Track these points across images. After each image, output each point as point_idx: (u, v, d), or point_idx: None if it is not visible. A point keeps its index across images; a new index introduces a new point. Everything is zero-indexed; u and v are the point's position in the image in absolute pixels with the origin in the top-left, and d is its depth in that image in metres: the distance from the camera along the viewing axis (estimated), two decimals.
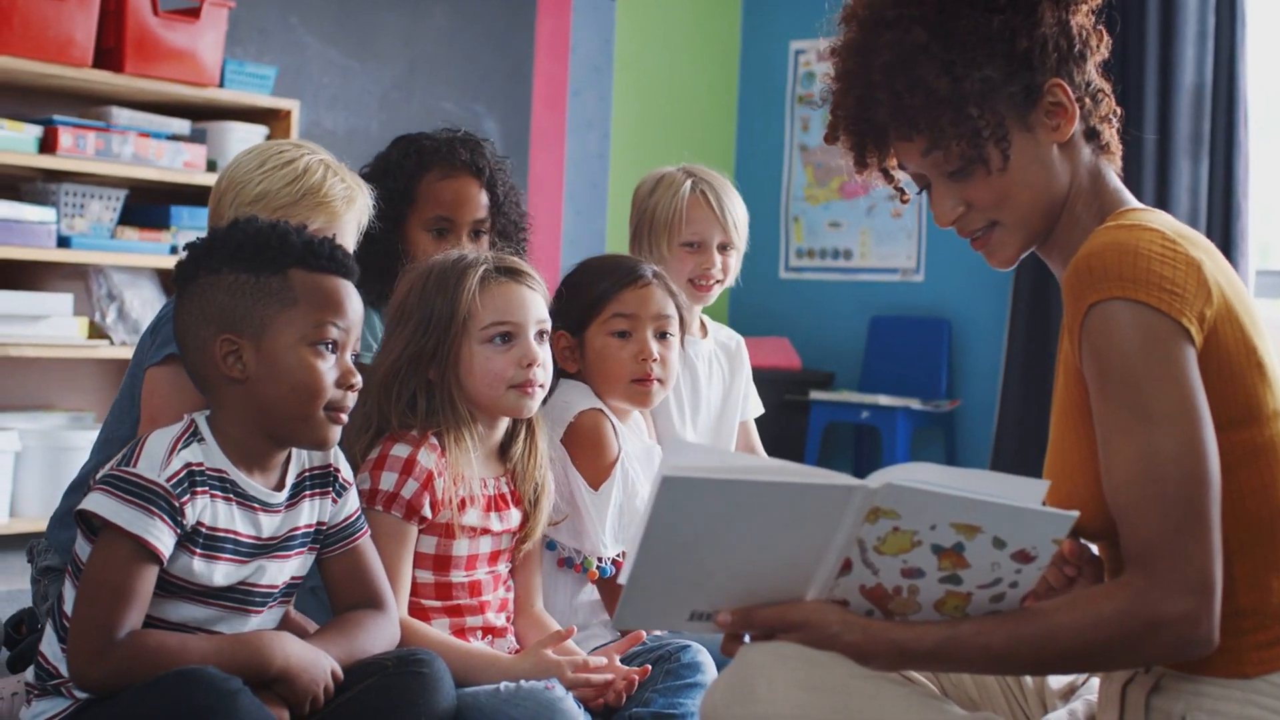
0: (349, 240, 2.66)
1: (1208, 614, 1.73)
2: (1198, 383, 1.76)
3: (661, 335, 2.84)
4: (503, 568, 2.61)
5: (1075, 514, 1.76)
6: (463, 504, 2.52)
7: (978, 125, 1.94)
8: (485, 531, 2.56)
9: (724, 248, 3.40)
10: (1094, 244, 1.82)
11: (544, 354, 2.57)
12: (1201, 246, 1.86)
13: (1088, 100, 1.99)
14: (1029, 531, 1.76)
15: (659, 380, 2.83)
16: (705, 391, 3.45)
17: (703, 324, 3.50)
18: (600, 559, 2.72)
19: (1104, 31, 2.01)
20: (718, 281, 3.40)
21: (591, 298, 2.84)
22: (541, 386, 2.57)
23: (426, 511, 2.48)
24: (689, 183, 3.42)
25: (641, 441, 2.89)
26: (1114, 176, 2.02)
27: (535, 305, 2.59)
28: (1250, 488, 1.81)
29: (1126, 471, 1.76)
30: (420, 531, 2.50)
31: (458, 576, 2.54)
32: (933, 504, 1.72)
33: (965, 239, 2.04)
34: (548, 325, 2.61)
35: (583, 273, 2.92)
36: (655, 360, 2.81)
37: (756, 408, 3.62)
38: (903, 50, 1.96)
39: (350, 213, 2.66)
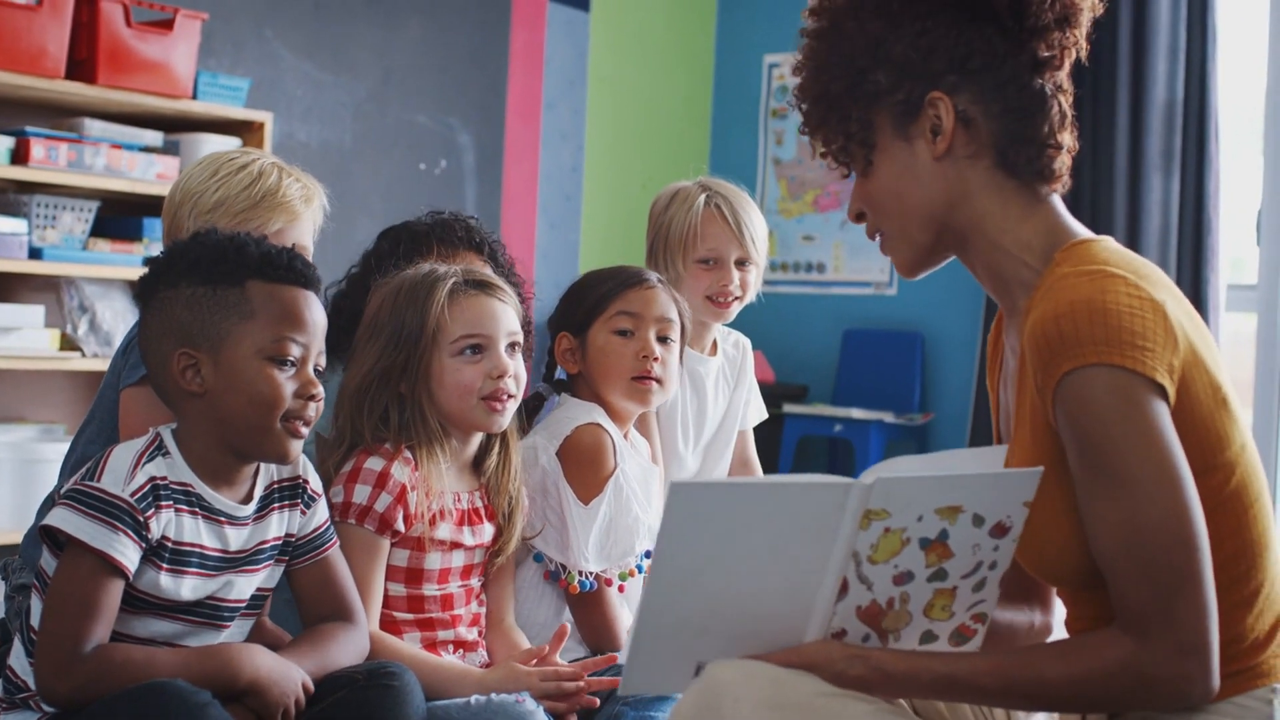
0: (307, 240, 2.66)
1: (1204, 673, 1.73)
2: (1175, 442, 1.75)
3: (663, 339, 2.84)
4: (475, 582, 2.61)
5: (1040, 469, 1.78)
6: (435, 518, 2.51)
7: (849, 127, 1.94)
8: (458, 545, 2.55)
9: (742, 263, 3.36)
10: (1059, 301, 1.78)
11: (515, 366, 2.57)
12: (1157, 281, 1.84)
13: (984, 120, 1.91)
14: (1003, 498, 1.79)
15: (658, 380, 2.83)
16: (711, 411, 3.44)
17: (714, 344, 3.48)
18: (581, 573, 2.71)
19: (1071, 51, 1.94)
20: (736, 298, 3.37)
21: (596, 297, 2.85)
22: (512, 398, 2.57)
23: (399, 525, 2.47)
24: (703, 197, 3.38)
25: (640, 464, 2.88)
26: (1052, 202, 1.95)
27: (506, 317, 2.59)
28: (1227, 530, 1.81)
29: (1112, 539, 1.75)
30: (392, 545, 2.50)
31: (430, 590, 2.53)
32: (919, 492, 1.75)
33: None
34: (519, 337, 2.60)
35: (588, 277, 2.94)
36: (656, 359, 2.81)
37: (758, 414, 3.59)
38: (804, 49, 1.99)
39: (309, 211, 2.66)
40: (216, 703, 2.01)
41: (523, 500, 2.65)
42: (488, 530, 2.61)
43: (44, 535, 2.10)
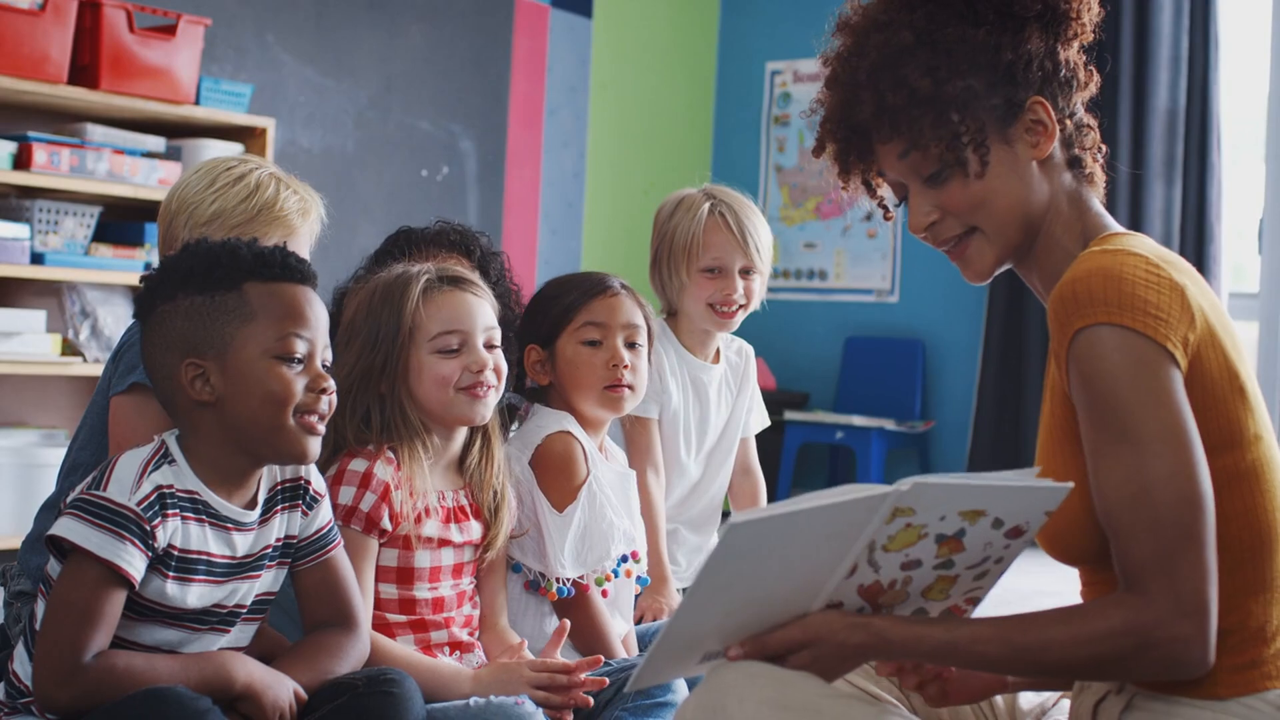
0: (304, 253, 2.65)
1: (1201, 636, 1.74)
2: (1185, 405, 1.77)
3: (631, 345, 2.85)
4: (467, 583, 2.62)
5: (1070, 485, 1.80)
6: (420, 516, 2.52)
7: (958, 129, 1.96)
8: (446, 543, 2.56)
9: (746, 271, 3.36)
10: (1078, 269, 1.83)
11: (493, 359, 2.58)
12: (1184, 270, 1.87)
13: (1070, 128, 2.01)
14: (1027, 508, 1.81)
15: (630, 387, 2.84)
16: (713, 419, 3.44)
17: (717, 351, 3.48)
18: (558, 579, 2.72)
19: (1094, 70, 2.05)
20: (740, 306, 3.37)
21: (561, 308, 2.86)
22: (494, 389, 2.58)
23: (386, 524, 2.48)
24: (707, 205, 3.37)
25: (615, 470, 2.89)
26: (1096, 203, 2.04)
27: (482, 312, 2.59)
28: (1233, 512, 1.82)
29: (1118, 495, 1.76)
30: (381, 546, 2.51)
31: (421, 591, 2.53)
32: (949, 496, 1.76)
33: (941, 252, 2.06)
34: (496, 333, 2.61)
35: (551, 287, 2.94)
36: (627, 367, 2.82)
37: (760, 421, 3.59)
38: (890, 51, 1.99)
39: (306, 225, 2.66)
40: (217, 710, 2.01)
41: (509, 496, 2.66)
42: (475, 528, 2.61)
43: (49, 545, 2.10)
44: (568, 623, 2.58)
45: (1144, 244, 1.90)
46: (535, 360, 2.86)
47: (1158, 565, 1.74)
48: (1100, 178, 2.05)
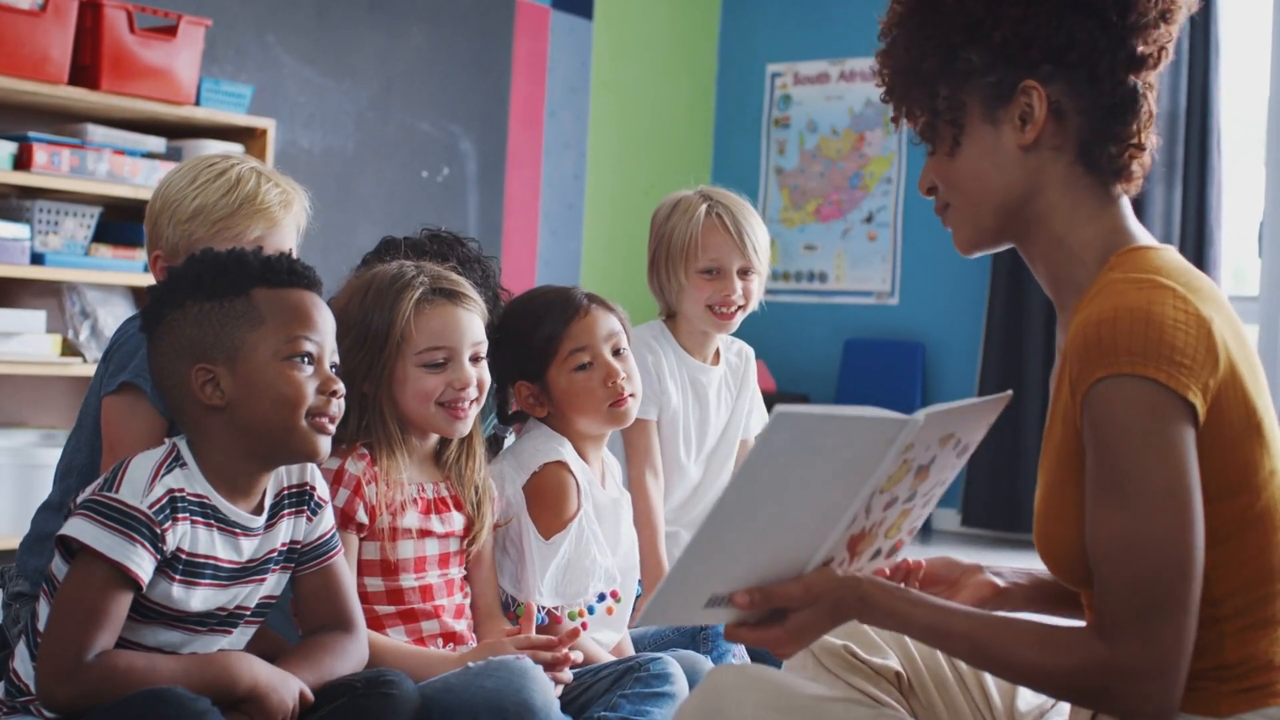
0: (289, 245, 2.66)
1: (1167, 696, 1.72)
2: (1193, 467, 1.73)
3: (616, 353, 2.85)
4: (455, 572, 2.63)
5: (1009, 394, 1.88)
6: (400, 507, 2.53)
7: (936, 104, 1.92)
8: (428, 534, 2.57)
9: (744, 273, 3.36)
10: (1105, 306, 1.77)
11: (477, 373, 2.59)
12: (1208, 297, 1.82)
13: (1074, 114, 1.89)
14: (978, 423, 1.90)
15: (632, 395, 2.84)
16: (713, 421, 3.44)
17: (717, 352, 3.48)
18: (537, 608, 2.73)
19: (1165, 50, 1.91)
20: (739, 308, 3.37)
21: (542, 340, 2.83)
22: (475, 403, 2.60)
23: (362, 517, 2.49)
24: (705, 207, 3.37)
25: (610, 494, 2.88)
26: (1122, 204, 1.94)
27: (471, 328, 2.60)
28: (1247, 554, 1.80)
29: (1107, 545, 1.74)
30: (362, 540, 2.52)
31: (407, 581, 2.55)
32: (942, 423, 1.81)
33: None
34: (483, 347, 2.62)
35: (519, 319, 2.88)
36: (624, 378, 2.82)
37: (760, 423, 3.57)
38: (892, 19, 1.96)
39: (288, 217, 2.66)
40: (216, 710, 2.02)
41: (490, 489, 2.67)
42: (457, 519, 2.63)
43: (59, 545, 2.11)
44: (534, 604, 2.60)
45: (1172, 265, 1.84)
46: (528, 395, 2.84)
47: (1135, 623, 1.71)
48: (1139, 172, 1.93)
